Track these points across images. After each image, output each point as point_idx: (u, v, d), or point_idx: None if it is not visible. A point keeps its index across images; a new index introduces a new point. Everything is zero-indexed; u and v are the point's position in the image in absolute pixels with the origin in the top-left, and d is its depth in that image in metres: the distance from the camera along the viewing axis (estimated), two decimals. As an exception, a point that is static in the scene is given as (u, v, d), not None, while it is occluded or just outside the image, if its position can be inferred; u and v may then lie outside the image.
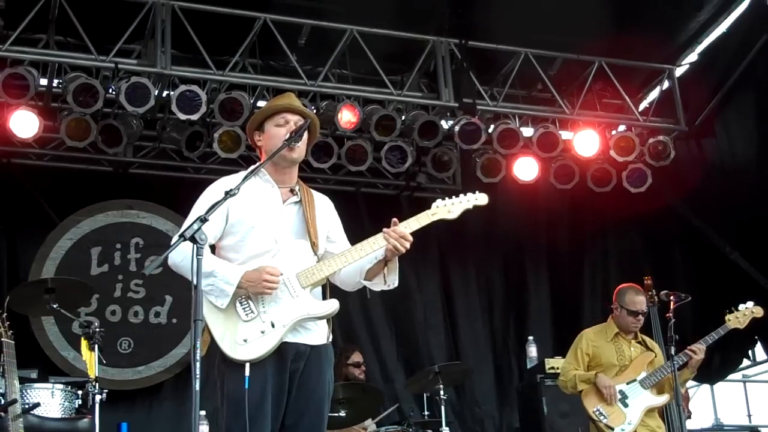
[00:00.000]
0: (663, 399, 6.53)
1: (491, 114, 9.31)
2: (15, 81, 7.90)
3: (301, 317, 4.18)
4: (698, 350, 6.44)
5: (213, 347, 4.14)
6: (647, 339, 6.79)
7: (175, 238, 3.98)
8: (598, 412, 6.41)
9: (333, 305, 4.27)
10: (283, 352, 4.13)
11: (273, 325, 4.12)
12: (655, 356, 6.68)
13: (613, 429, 6.35)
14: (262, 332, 4.11)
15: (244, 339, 4.09)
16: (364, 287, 4.54)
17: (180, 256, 4.00)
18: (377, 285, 4.41)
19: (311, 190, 4.56)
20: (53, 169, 9.08)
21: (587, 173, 9.50)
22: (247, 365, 4.03)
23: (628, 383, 6.51)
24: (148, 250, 9.17)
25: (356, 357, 8.24)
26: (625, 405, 6.43)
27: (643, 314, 6.71)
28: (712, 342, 6.58)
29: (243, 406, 3.98)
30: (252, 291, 4.13)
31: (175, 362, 9.05)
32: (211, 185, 4.42)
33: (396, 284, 4.38)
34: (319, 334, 4.29)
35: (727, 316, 6.65)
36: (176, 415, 8.96)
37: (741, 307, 6.67)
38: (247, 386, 3.98)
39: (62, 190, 9.16)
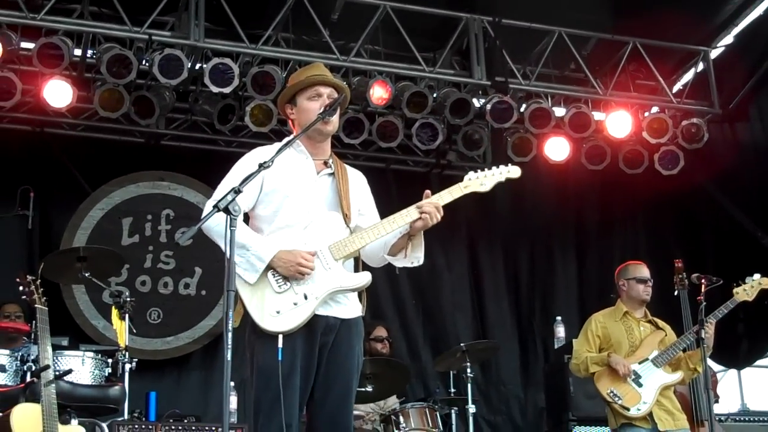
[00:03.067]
0: (677, 376, 6.50)
1: (523, 93, 9.26)
2: (49, 51, 7.93)
3: (334, 289, 4.18)
4: (708, 325, 6.39)
5: (244, 318, 4.14)
6: (657, 319, 6.75)
7: (208, 207, 3.98)
8: (612, 394, 6.38)
9: (365, 277, 4.26)
10: (313, 325, 4.14)
11: (306, 297, 4.12)
12: (666, 335, 6.65)
13: (628, 409, 6.32)
14: (295, 304, 4.11)
15: (276, 310, 4.09)
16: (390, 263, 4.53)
17: (214, 222, 3.99)
18: (399, 260, 4.38)
19: (344, 164, 4.55)
20: (86, 140, 9.14)
21: (619, 155, 9.44)
22: (280, 337, 4.03)
23: (640, 363, 6.47)
24: (178, 221, 9.22)
25: (379, 332, 8.26)
26: (639, 384, 6.39)
27: (650, 282, 6.68)
28: (722, 316, 6.51)
29: (273, 378, 3.99)
30: (283, 272, 4.12)
31: (204, 333, 9.11)
32: (245, 155, 4.41)
33: (421, 261, 4.36)
34: (349, 308, 4.28)
35: (735, 290, 6.60)
36: (204, 385, 9.07)
37: (748, 279, 6.61)
38: (280, 357, 3.98)
39: (94, 161, 9.23)
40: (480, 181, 4.40)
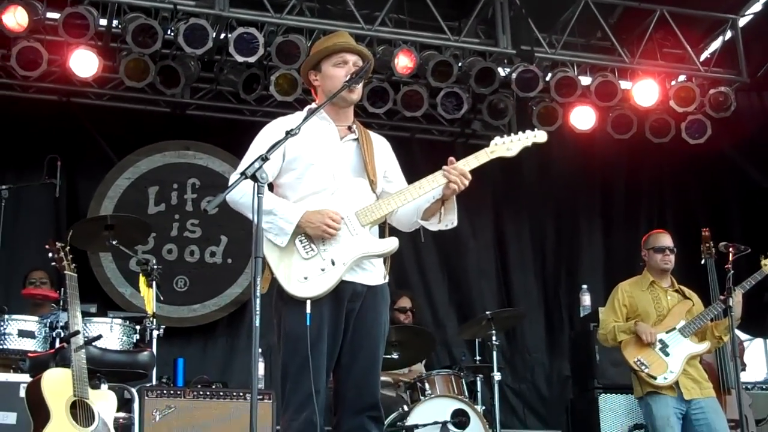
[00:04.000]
0: (704, 346, 6.49)
1: (549, 62, 9.19)
2: (75, 20, 7.93)
3: (361, 255, 4.18)
4: (735, 294, 6.36)
5: (272, 284, 4.16)
6: (684, 288, 6.73)
7: (235, 176, 3.99)
8: (639, 362, 6.38)
9: (393, 243, 4.27)
10: (340, 291, 4.15)
11: (333, 263, 4.13)
12: (693, 305, 6.63)
13: (655, 378, 6.32)
14: (323, 270, 4.12)
15: (304, 276, 4.10)
16: (419, 229, 4.53)
17: (240, 194, 4.00)
18: (433, 224, 4.37)
19: (368, 131, 4.54)
20: (112, 109, 9.19)
21: (645, 123, 9.38)
22: (308, 302, 4.04)
23: (667, 332, 6.47)
24: (204, 190, 9.27)
25: (403, 302, 8.28)
26: (666, 354, 6.39)
27: (671, 251, 6.67)
28: (749, 287, 6.49)
29: (300, 344, 4.00)
30: (311, 233, 4.12)
31: (230, 301, 9.18)
32: (269, 123, 4.40)
33: (455, 224, 4.35)
34: (375, 275, 4.29)
35: (763, 261, 6.58)
36: (230, 351, 9.17)
37: None
38: (309, 323, 4.00)
39: (120, 130, 9.28)
40: (506, 146, 4.38)
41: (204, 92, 9.42)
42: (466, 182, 4.19)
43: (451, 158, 4.26)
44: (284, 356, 4.14)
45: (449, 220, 4.33)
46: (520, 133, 4.41)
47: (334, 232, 4.12)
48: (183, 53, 8.33)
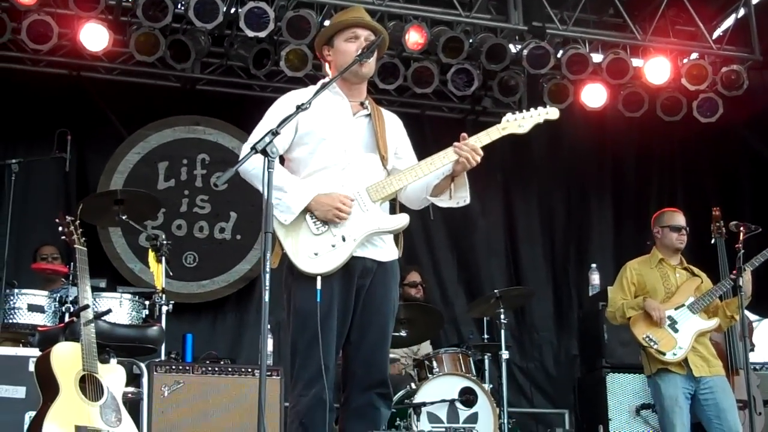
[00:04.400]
0: (713, 323, 6.47)
1: (561, 38, 9.13)
2: (86, -6, 7.93)
3: (372, 231, 4.18)
4: (745, 272, 6.33)
5: (282, 260, 4.15)
6: (693, 267, 6.70)
7: (245, 149, 3.98)
8: (647, 339, 6.37)
9: (404, 219, 4.26)
10: (350, 267, 4.14)
11: (344, 239, 4.13)
12: (702, 282, 6.62)
13: (664, 354, 6.30)
14: (333, 246, 4.12)
15: (314, 252, 4.10)
16: (428, 207, 4.52)
17: (251, 165, 4.00)
18: (443, 201, 4.36)
19: (380, 107, 4.53)
20: (122, 83, 9.16)
21: (657, 101, 9.32)
22: (319, 278, 4.04)
23: (676, 308, 6.45)
24: (213, 166, 9.26)
25: (412, 277, 8.28)
26: (675, 330, 6.37)
27: (685, 230, 6.65)
28: (759, 264, 6.46)
29: (310, 319, 4.01)
30: (320, 216, 4.12)
31: (239, 278, 9.18)
32: (281, 97, 4.39)
33: (467, 201, 4.34)
34: (386, 251, 4.28)
35: None
36: (239, 327, 9.20)
37: None
38: (319, 299, 3.99)
39: (130, 104, 9.26)
40: (518, 122, 4.36)
41: (214, 67, 9.38)
42: (478, 158, 4.18)
43: (464, 134, 4.24)
44: (294, 332, 4.14)
45: (461, 197, 4.31)
46: (531, 109, 4.39)
47: (345, 216, 4.11)
48: (193, 27, 8.30)
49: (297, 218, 4.13)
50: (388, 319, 4.28)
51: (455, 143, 4.20)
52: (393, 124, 4.48)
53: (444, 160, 4.21)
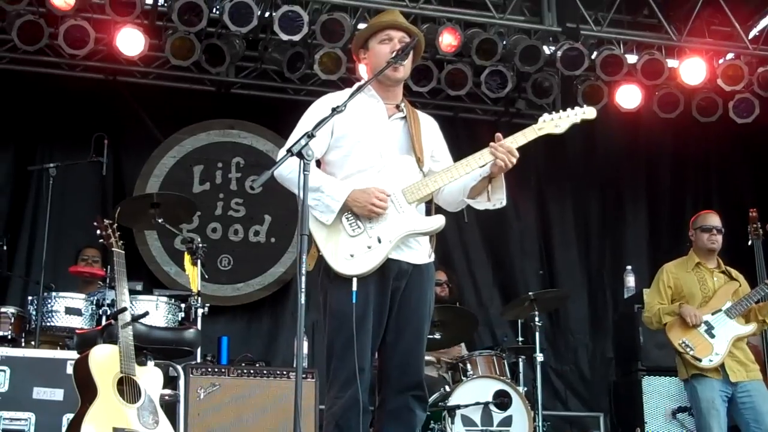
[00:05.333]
0: (750, 328, 6.40)
1: (595, 39, 9.08)
2: (122, -1, 7.99)
3: (407, 233, 4.17)
4: None
5: (317, 262, 4.16)
6: (731, 269, 6.64)
7: (282, 153, 3.99)
8: (683, 344, 6.31)
9: (439, 220, 4.24)
10: (386, 269, 4.14)
11: (380, 241, 4.12)
12: (740, 285, 6.55)
13: (700, 360, 6.25)
14: (369, 247, 4.11)
15: (350, 254, 4.10)
16: (463, 209, 4.51)
17: (288, 170, 4.01)
18: (480, 203, 4.33)
19: (416, 110, 4.52)
20: (157, 88, 9.23)
21: (692, 102, 9.26)
22: (354, 280, 4.04)
23: (713, 313, 6.38)
24: (248, 169, 9.31)
25: (437, 275, 8.20)
26: (712, 336, 6.31)
27: (718, 231, 6.59)
28: None
29: (346, 321, 4.01)
30: (358, 212, 4.12)
31: (273, 280, 9.22)
32: (317, 101, 4.40)
33: (504, 203, 4.31)
34: (421, 253, 4.27)
35: None
36: (273, 330, 9.25)
37: None
38: (354, 300, 4.00)
39: (166, 109, 9.33)
40: (554, 122, 4.32)
41: (249, 71, 9.42)
42: (514, 160, 4.16)
43: (498, 134, 4.22)
44: (330, 334, 4.15)
45: (498, 199, 4.29)
46: (568, 109, 4.36)
47: (381, 212, 4.10)
48: (228, 32, 8.35)
49: (336, 217, 4.13)
50: (424, 321, 4.27)
51: (491, 144, 4.18)
52: (429, 127, 4.47)
53: (480, 162, 4.19)
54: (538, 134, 4.29)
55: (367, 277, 4.08)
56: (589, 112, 4.38)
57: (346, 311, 4.01)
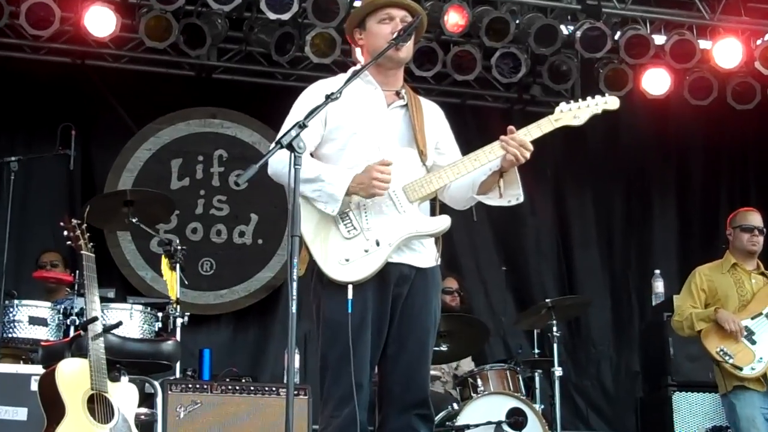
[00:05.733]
0: None
1: (618, 18, 9.10)
2: (92, -27, 8.00)
3: (409, 234, 4.16)
4: None
5: (309, 266, 4.17)
6: None
7: (272, 146, 4.00)
8: (722, 353, 6.33)
9: (444, 221, 4.24)
10: (386, 274, 4.13)
11: (378, 243, 4.12)
12: None
13: (741, 369, 6.26)
14: (366, 251, 4.11)
15: (345, 258, 4.10)
16: (472, 206, 4.51)
17: (282, 164, 3.96)
18: (493, 199, 4.32)
19: (419, 96, 4.52)
20: (131, 72, 9.23)
21: (727, 88, 9.27)
22: (350, 287, 4.04)
23: (753, 318, 6.40)
24: (232, 163, 9.33)
25: (448, 283, 8.26)
26: (752, 342, 6.33)
27: (760, 232, 6.62)
28: None
29: (341, 332, 4.00)
30: (364, 194, 4.09)
31: (261, 286, 9.25)
32: (309, 87, 4.40)
33: (521, 199, 4.30)
34: (425, 256, 4.27)
35: None
36: (261, 341, 9.26)
37: None
38: (350, 309, 4.00)
39: (140, 96, 9.33)
40: (573, 113, 4.32)
41: (232, 54, 9.43)
42: (527, 154, 4.15)
43: (511, 127, 4.22)
44: (323, 346, 4.15)
45: (512, 194, 4.28)
46: (588, 98, 4.36)
47: (387, 185, 4.08)
48: (209, 10, 8.35)
49: (325, 220, 4.13)
50: (429, 331, 4.27)
51: (502, 137, 4.17)
52: (433, 115, 4.47)
53: (490, 156, 4.19)
54: (555, 126, 4.29)
55: (365, 283, 4.08)
56: (611, 102, 4.39)
57: (341, 321, 4.01)
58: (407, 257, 4.21)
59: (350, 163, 4.21)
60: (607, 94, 4.42)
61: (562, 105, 4.33)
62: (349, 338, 3.99)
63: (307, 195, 4.04)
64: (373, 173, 4.07)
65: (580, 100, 4.36)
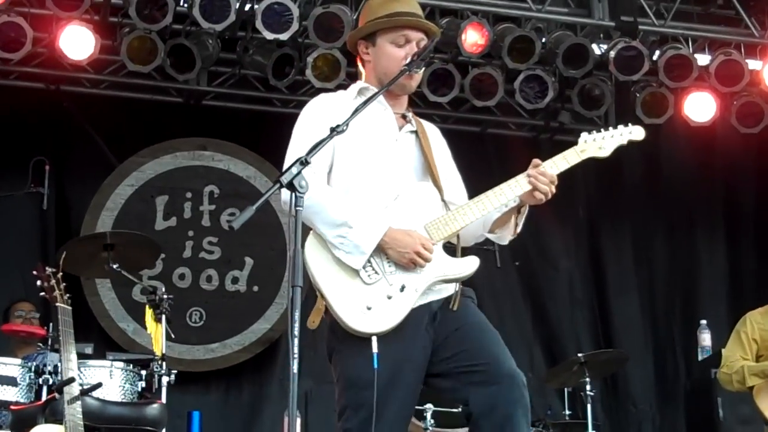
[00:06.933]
0: None
1: (657, 36, 9.16)
2: (67, -11, 8.06)
3: (436, 279, 4.17)
4: None
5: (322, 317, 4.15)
6: None
7: (272, 186, 3.99)
8: (778, 414, 6.34)
9: (473, 263, 4.26)
10: (414, 318, 4.12)
11: (402, 289, 4.11)
12: None
13: (801, 433, 6.28)
14: (389, 297, 4.09)
15: (367, 306, 4.06)
16: (494, 252, 4.54)
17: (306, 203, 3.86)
18: (504, 237, 4.42)
19: (420, 119, 4.56)
20: (111, 99, 9.28)
21: (780, 113, 9.30)
22: (374, 339, 4.02)
23: None
24: (224, 200, 9.33)
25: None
26: (814, 403, 6.34)
27: None
28: None
29: (365, 393, 3.97)
30: (394, 256, 4.11)
31: (256, 340, 9.23)
32: (309, 106, 4.40)
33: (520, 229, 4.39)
34: (449, 287, 4.26)
35: None
36: (257, 402, 9.23)
37: None
38: (376, 365, 3.97)
39: (122, 126, 9.38)
40: (597, 143, 4.41)
41: (224, 78, 9.48)
42: (554, 189, 4.21)
43: (536, 160, 4.27)
44: (345, 410, 4.09)
45: (520, 226, 4.39)
46: (611, 128, 4.46)
47: (423, 263, 4.11)
48: (199, 29, 8.43)
49: (340, 266, 4.11)
50: (484, 319, 4.29)
51: (529, 171, 4.22)
52: (438, 142, 4.52)
53: (516, 191, 4.24)
54: (582, 158, 4.37)
55: (390, 334, 4.05)
56: (636, 132, 4.48)
57: (367, 379, 3.96)
58: (432, 296, 4.20)
59: (362, 193, 4.22)
60: (630, 124, 4.50)
61: (585, 135, 4.43)
62: (374, 402, 3.94)
63: (328, 239, 4.04)
64: (418, 246, 4.10)
65: (602, 129, 4.46)
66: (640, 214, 10.31)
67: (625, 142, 4.46)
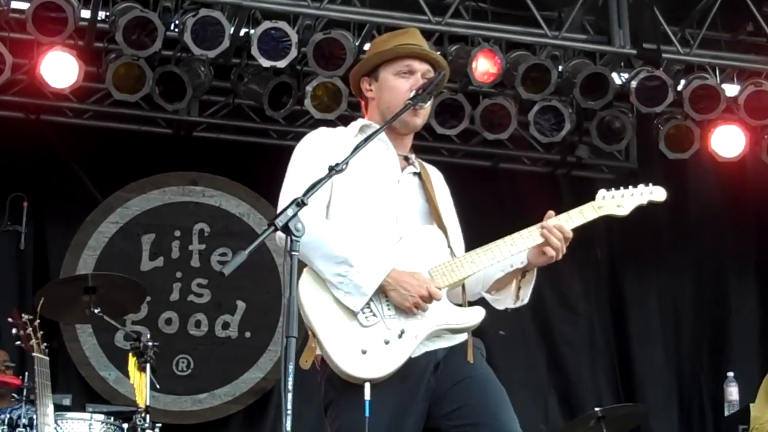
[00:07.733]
0: None
1: (682, 65, 9.22)
2: (49, 13, 8.04)
3: (438, 327, 4.17)
4: None
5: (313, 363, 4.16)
6: None
7: (265, 228, 4.02)
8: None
9: (478, 314, 4.25)
10: (416, 366, 4.12)
11: (401, 335, 4.12)
12: None
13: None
14: (386, 342, 4.08)
15: (362, 350, 4.07)
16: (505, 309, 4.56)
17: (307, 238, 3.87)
18: (502, 302, 4.44)
19: (423, 162, 4.58)
20: (95, 130, 9.32)
21: (815, 149, 9.33)
22: (367, 386, 4.03)
23: None
24: (215, 239, 9.36)
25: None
26: None
27: None
28: None
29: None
30: (396, 299, 4.12)
31: (247, 390, 9.25)
32: (309, 137, 4.41)
33: (525, 301, 4.40)
34: (458, 337, 4.26)
35: None
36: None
37: None
38: (367, 414, 3.99)
39: (106, 158, 9.39)
40: (616, 201, 4.46)
41: (217, 107, 9.54)
42: (564, 249, 4.25)
43: (550, 211, 4.29)
44: None
45: (525, 294, 4.39)
46: (630, 187, 4.49)
47: (425, 310, 4.13)
48: (190, 56, 8.48)
49: (339, 303, 4.13)
50: (492, 375, 4.27)
51: (543, 224, 4.24)
52: (440, 185, 4.54)
53: (528, 242, 4.25)
54: (599, 214, 4.42)
55: (387, 381, 4.05)
56: (657, 193, 4.52)
57: (359, 429, 3.96)
58: (440, 343, 4.21)
59: (362, 235, 4.21)
60: (651, 185, 4.54)
61: (603, 191, 4.47)
62: None
63: (326, 277, 4.03)
64: (424, 290, 4.10)
65: (622, 188, 4.49)
66: (664, 255, 10.31)
67: (645, 202, 4.49)
